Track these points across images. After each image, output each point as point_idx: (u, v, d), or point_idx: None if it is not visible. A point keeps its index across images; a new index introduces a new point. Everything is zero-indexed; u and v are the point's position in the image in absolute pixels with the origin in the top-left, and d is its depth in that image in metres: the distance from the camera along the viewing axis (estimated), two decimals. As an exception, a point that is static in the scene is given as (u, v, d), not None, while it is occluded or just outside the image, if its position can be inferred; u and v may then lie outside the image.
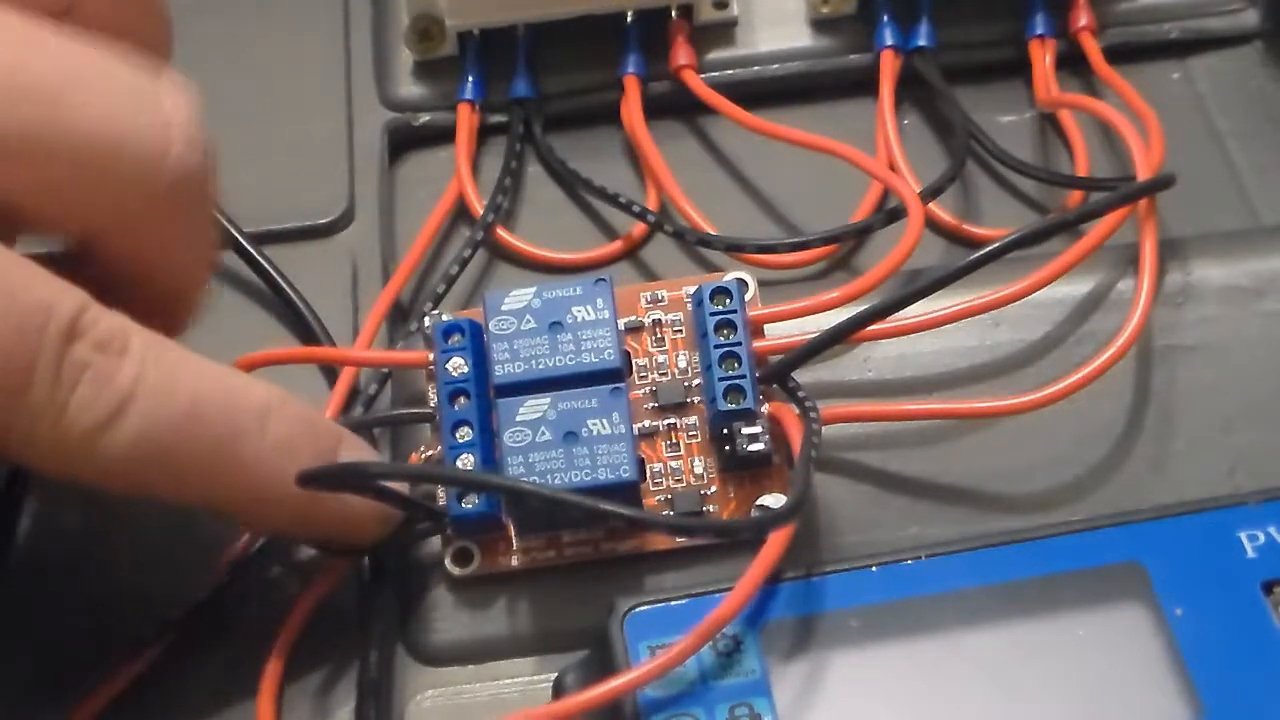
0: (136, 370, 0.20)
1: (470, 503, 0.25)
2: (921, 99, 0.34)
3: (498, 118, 0.34)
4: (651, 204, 0.32)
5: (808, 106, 0.34)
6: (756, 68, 0.34)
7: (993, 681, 0.23)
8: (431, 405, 0.27)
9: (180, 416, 0.21)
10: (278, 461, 0.23)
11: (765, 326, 0.27)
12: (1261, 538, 0.24)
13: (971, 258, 0.26)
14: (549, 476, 0.25)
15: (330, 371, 0.29)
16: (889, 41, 0.33)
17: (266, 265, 0.31)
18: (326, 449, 0.24)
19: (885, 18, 0.34)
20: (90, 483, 0.21)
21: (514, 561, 0.26)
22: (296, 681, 0.26)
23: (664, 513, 0.26)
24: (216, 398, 0.22)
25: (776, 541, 0.23)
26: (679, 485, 0.26)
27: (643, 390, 0.27)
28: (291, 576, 0.27)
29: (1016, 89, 0.34)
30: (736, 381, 0.26)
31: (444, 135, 0.34)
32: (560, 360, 0.26)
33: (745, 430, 0.25)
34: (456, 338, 0.26)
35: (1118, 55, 0.33)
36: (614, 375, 0.26)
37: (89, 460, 0.20)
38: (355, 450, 0.25)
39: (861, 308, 0.26)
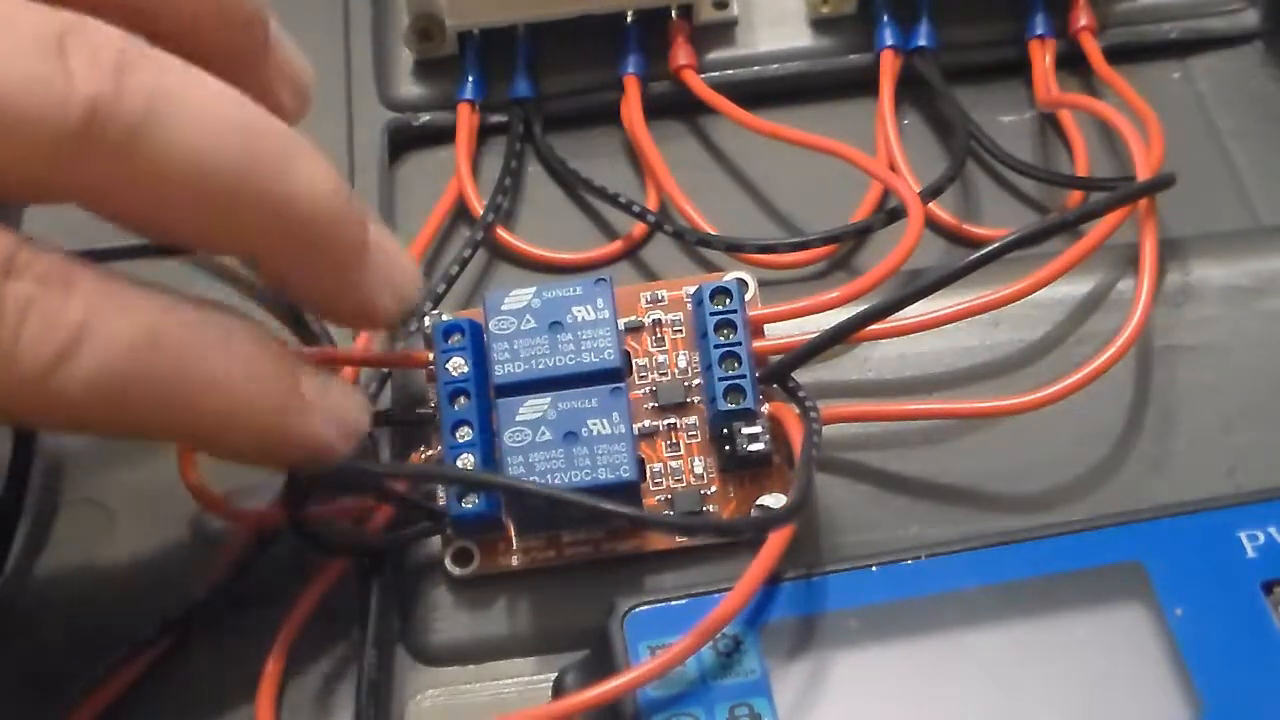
0: (86, 302, 0.20)
1: (470, 503, 0.25)
2: (921, 99, 0.34)
3: (498, 118, 0.34)
4: (651, 204, 0.32)
5: (808, 106, 0.34)
6: (756, 68, 0.34)
7: (993, 681, 0.23)
8: (431, 405, 0.27)
9: (137, 346, 0.20)
10: (243, 389, 0.22)
11: (765, 326, 0.27)
12: (1261, 538, 0.24)
13: (971, 258, 0.26)
14: (549, 476, 0.25)
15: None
16: (889, 41, 0.33)
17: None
18: (289, 374, 0.23)
19: (885, 18, 0.34)
20: (52, 426, 0.21)
21: (514, 561, 0.26)
22: (296, 681, 0.26)
23: (664, 513, 0.26)
24: (173, 325, 0.21)
25: (776, 541, 0.23)
26: (679, 485, 0.26)
27: (643, 390, 0.27)
28: (291, 576, 0.27)
29: (1016, 89, 0.34)
30: (736, 381, 0.26)
31: (444, 135, 0.34)
32: (560, 360, 0.26)
33: (745, 430, 0.25)
34: (456, 338, 0.26)
35: (1118, 55, 0.33)
36: (614, 375, 0.26)
37: (46, 401, 0.20)
38: (317, 376, 0.24)
39: (861, 308, 0.26)
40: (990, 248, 0.26)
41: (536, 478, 0.25)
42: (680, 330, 0.27)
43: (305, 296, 0.24)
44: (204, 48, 0.23)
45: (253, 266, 0.23)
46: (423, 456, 0.27)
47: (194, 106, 0.21)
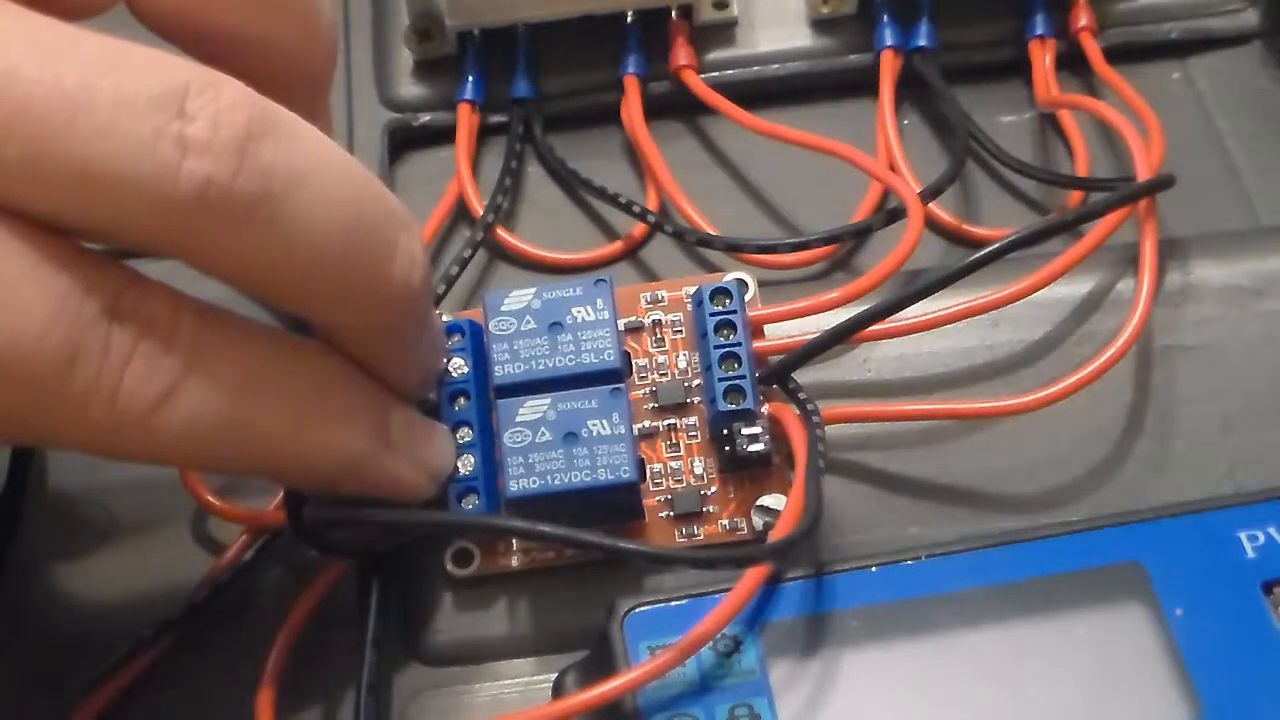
0: (189, 346, 0.20)
1: (471, 504, 0.25)
2: (921, 99, 0.34)
3: (498, 118, 0.34)
4: (651, 204, 0.33)
5: (808, 106, 0.34)
6: (756, 68, 0.34)
7: (993, 681, 0.23)
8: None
9: (236, 393, 0.21)
10: (334, 435, 0.22)
11: (765, 326, 0.27)
12: (1261, 538, 0.24)
13: (971, 258, 0.26)
14: (549, 477, 0.25)
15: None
16: (889, 41, 0.33)
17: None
18: (381, 418, 0.23)
19: (885, 18, 0.33)
20: (140, 461, 0.21)
21: (514, 562, 0.26)
22: (296, 681, 0.26)
23: (664, 514, 0.26)
24: (273, 371, 0.21)
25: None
26: (679, 485, 0.26)
27: (643, 391, 0.27)
28: (291, 576, 0.27)
29: (1016, 89, 0.34)
30: (736, 382, 0.26)
31: (444, 135, 0.34)
32: (560, 361, 0.26)
33: (745, 430, 0.25)
34: (456, 338, 0.26)
35: (1118, 55, 0.33)
36: (614, 376, 0.26)
37: (141, 441, 0.20)
38: (405, 418, 0.24)
39: (861, 308, 0.26)
40: (990, 248, 0.26)
41: (537, 479, 0.25)
42: (680, 331, 0.27)
43: (358, 356, 0.23)
44: (288, 74, 0.23)
45: (307, 321, 0.23)
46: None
47: (314, 187, 0.20)
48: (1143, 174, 0.28)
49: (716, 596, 0.23)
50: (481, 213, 0.32)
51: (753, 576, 0.23)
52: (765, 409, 0.26)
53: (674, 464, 0.27)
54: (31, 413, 0.19)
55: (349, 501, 0.24)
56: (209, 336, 0.20)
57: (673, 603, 0.24)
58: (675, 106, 0.34)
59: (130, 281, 0.20)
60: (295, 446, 0.22)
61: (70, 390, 0.19)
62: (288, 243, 0.20)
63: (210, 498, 0.27)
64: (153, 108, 0.18)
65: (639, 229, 0.32)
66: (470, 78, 0.33)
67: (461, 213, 0.33)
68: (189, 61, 0.19)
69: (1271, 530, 0.24)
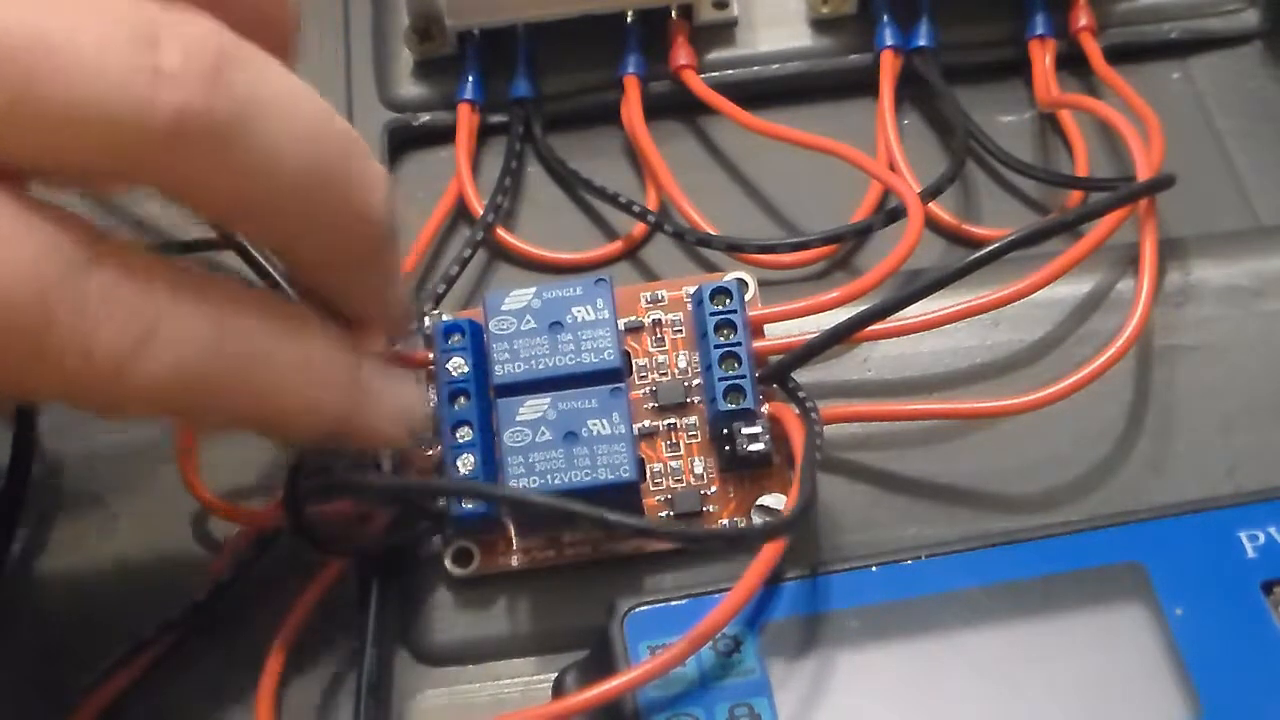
0: (164, 295, 0.20)
1: (470, 502, 0.25)
2: (921, 99, 0.34)
3: (498, 118, 0.34)
4: (651, 204, 0.32)
5: (808, 106, 0.34)
6: (756, 68, 0.34)
7: (993, 681, 0.23)
8: (431, 405, 0.27)
9: (210, 342, 0.21)
10: (308, 384, 0.23)
11: (765, 326, 0.27)
12: (1261, 538, 0.24)
13: (971, 258, 0.26)
14: (549, 476, 0.25)
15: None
16: (889, 41, 0.33)
17: (268, 266, 0.30)
18: (353, 368, 0.24)
19: (885, 18, 0.34)
20: (117, 416, 0.21)
21: (514, 561, 0.27)
22: (296, 681, 0.26)
23: (664, 514, 0.26)
24: (245, 321, 0.22)
25: (776, 542, 0.23)
26: (679, 485, 0.26)
27: (643, 390, 0.27)
28: (291, 576, 0.27)
29: (1016, 89, 0.34)
30: (736, 381, 0.26)
31: (444, 135, 0.34)
32: (560, 360, 0.26)
33: (745, 430, 0.25)
34: (456, 338, 0.26)
35: (1118, 55, 0.33)
36: (614, 375, 0.26)
37: (117, 392, 0.20)
38: (374, 369, 0.24)
39: (861, 308, 0.26)
40: (990, 248, 0.26)
41: (537, 478, 0.25)
42: (680, 330, 0.27)
43: (328, 288, 0.24)
44: (252, 20, 0.23)
45: (278, 255, 0.23)
46: (425, 455, 0.27)
47: (283, 114, 0.21)
48: (1143, 174, 0.28)
49: (717, 596, 0.23)
50: (481, 213, 0.32)
51: (753, 575, 0.23)
52: (765, 409, 0.26)
53: (674, 464, 0.27)
54: (10, 362, 0.19)
55: (340, 470, 0.24)
56: (185, 282, 0.21)
57: (673, 602, 0.24)
58: (675, 106, 0.34)
59: (101, 233, 0.20)
60: (269, 398, 0.22)
61: (49, 338, 0.19)
62: (261, 167, 0.20)
63: (210, 497, 0.27)
64: (129, 44, 0.19)
65: (639, 229, 0.32)
66: (470, 78, 0.33)
67: (461, 213, 0.33)
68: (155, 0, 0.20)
69: (1271, 530, 0.24)
